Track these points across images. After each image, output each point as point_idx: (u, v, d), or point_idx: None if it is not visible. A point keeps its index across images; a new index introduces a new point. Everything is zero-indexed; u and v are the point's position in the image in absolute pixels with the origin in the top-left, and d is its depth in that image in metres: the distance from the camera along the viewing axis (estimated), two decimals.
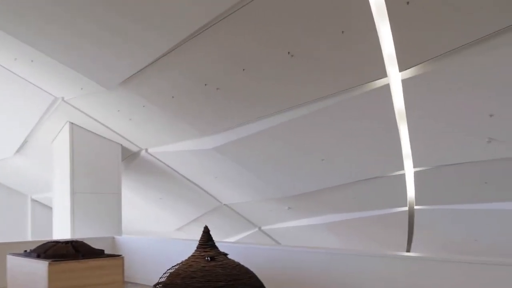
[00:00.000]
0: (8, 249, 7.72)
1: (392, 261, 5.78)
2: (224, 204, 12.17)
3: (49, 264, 6.09)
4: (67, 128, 10.32)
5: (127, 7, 6.30)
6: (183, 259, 4.95)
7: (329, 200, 10.30)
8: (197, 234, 5.29)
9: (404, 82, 6.53)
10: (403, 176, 8.79)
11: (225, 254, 4.98)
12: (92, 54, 7.54)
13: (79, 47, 7.41)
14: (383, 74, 6.57)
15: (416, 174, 8.59)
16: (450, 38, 5.81)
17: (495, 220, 8.94)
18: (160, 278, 4.82)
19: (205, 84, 7.62)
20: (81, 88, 8.67)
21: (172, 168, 11.05)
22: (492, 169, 7.88)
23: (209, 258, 4.79)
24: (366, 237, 11.23)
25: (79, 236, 9.60)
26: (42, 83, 9.04)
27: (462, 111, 6.85)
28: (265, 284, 4.98)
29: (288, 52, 6.52)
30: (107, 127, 10.13)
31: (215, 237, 5.17)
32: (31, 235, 15.12)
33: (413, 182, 8.83)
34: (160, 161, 10.87)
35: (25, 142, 11.35)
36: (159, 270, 5.13)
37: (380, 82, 6.76)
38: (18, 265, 6.79)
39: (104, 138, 10.61)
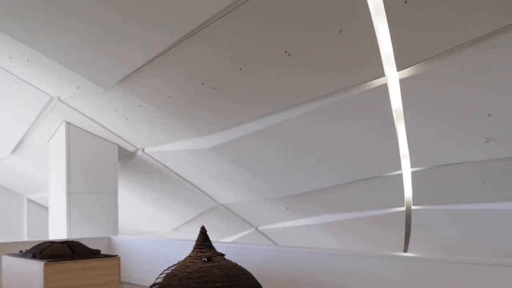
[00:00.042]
0: (3, 249, 7.68)
1: (389, 262, 5.75)
2: (221, 204, 12.15)
3: (45, 264, 6.07)
4: (63, 127, 10.28)
5: (124, 7, 6.28)
6: (180, 260, 4.92)
7: (326, 200, 10.28)
8: (194, 234, 5.26)
9: (402, 81, 6.51)
10: (400, 176, 8.78)
11: (222, 255, 4.95)
12: (88, 54, 7.50)
13: (75, 47, 7.37)
14: (381, 73, 6.56)
15: (414, 174, 8.58)
16: (448, 37, 5.80)
17: (493, 220, 8.94)
18: (156, 278, 4.79)
19: (202, 84, 7.59)
20: (77, 88, 8.63)
21: (168, 168, 11.02)
22: (489, 169, 7.87)
23: (206, 259, 4.76)
24: (363, 237, 11.22)
25: (75, 236, 9.55)
26: (38, 82, 9.00)
27: (459, 111, 6.84)
28: (262, 284, 4.95)
29: (286, 52, 6.50)
30: (103, 126, 10.10)
31: (211, 237, 5.14)
32: (27, 235, 15.07)
33: (410, 182, 8.82)
34: (157, 161, 10.84)
35: (21, 142, 11.31)
36: (156, 270, 5.10)
37: (378, 82, 6.75)
38: (13, 265, 6.76)
39: (101, 137, 10.57)
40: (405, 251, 10.24)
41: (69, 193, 10.21)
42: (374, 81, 6.76)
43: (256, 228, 12.97)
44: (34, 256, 6.43)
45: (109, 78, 8.07)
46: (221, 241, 9.16)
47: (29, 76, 8.87)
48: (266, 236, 13.04)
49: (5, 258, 7.00)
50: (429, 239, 10.22)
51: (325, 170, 9.25)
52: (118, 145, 10.78)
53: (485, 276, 4.88)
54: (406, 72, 6.40)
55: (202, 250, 4.89)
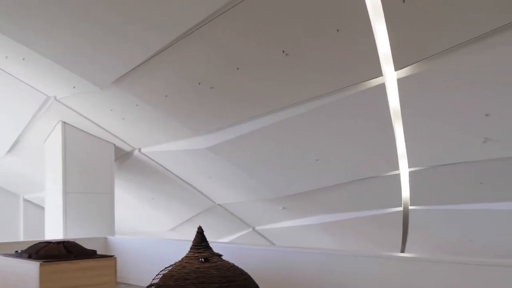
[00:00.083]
0: None
1: (387, 262, 5.75)
2: (218, 204, 12.12)
3: (41, 264, 6.05)
4: (59, 127, 10.24)
5: (121, 6, 6.25)
6: (177, 260, 4.90)
7: (323, 200, 10.27)
8: (191, 235, 5.24)
9: (400, 81, 6.49)
10: (398, 176, 8.76)
11: (219, 255, 4.93)
12: (84, 53, 7.47)
13: (71, 46, 7.35)
14: (379, 73, 6.53)
15: (411, 174, 8.57)
16: (446, 37, 5.78)
17: (491, 221, 8.93)
18: (153, 279, 4.76)
19: (199, 83, 7.57)
20: (74, 87, 8.60)
21: (165, 168, 10.99)
22: (487, 169, 7.86)
23: (203, 259, 4.73)
24: (360, 237, 11.21)
25: (71, 236, 9.53)
26: (34, 81, 8.96)
27: (458, 111, 6.82)
28: (259, 285, 4.94)
29: (283, 51, 6.47)
30: (100, 126, 10.06)
31: (208, 238, 5.12)
32: (23, 235, 15.03)
33: (408, 182, 8.81)
34: (153, 160, 10.81)
35: (17, 141, 11.27)
36: (152, 270, 5.08)
37: (376, 81, 6.72)
38: (9, 265, 6.74)
39: (97, 137, 10.54)
40: (402, 251, 10.23)
41: (65, 193, 10.18)
42: (371, 80, 6.73)
43: (253, 228, 12.96)
44: (30, 257, 6.41)
45: (106, 78, 8.04)
46: (218, 241, 9.15)
47: (25, 76, 8.83)
48: (263, 236, 13.03)
49: (1, 258, 6.97)
50: (426, 239, 10.22)
51: (322, 170, 9.23)
52: (114, 144, 10.75)
53: (483, 276, 4.88)
54: (404, 72, 6.38)
55: (199, 251, 4.86)
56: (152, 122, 9.25)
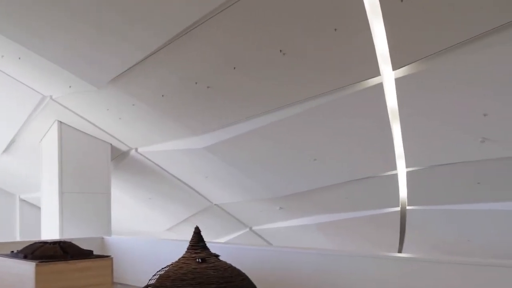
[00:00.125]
0: None
1: (384, 262, 5.73)
2: (215, 204, 12.10)
3: (37, 265, 6.01)
4: (55, 127, 10.20)
5: (117, 5, 6.22)
6: (174, 260, 4.86)
7: (321, 200, 10.26)
8: (188, 235, 5.21)
9: (398, 81, 6.48)
10: (395, 176, 8.76)
11: (217, 256, 4.90)
12: (81, 52, 7.45)
13: (67, 45, 7.32)
14: (376, 72, 6.52)
15: (409, 174, 8.56)
16: (444, 36, 5.77)
17: (488, 221, 8.93)
18: (149, 280, 4.73)
19: (196, 83, 7.54)
20: (70, 86, 8.56)
21: (162, 168, 10.97)
22: (485, 169, 7.85)
23: (200, 260, 4.70)
24: (358, 237, 11.20)
25: (67, 236, 9.48)
26: (30, 81, 8.93)
27: (455, 111, 6.82)
28: (256, 285, 4.91)
29: (280, 50, 6.45)
30: (96, 126, 10.03)
31: (205, 238, 5.09)
32: (20, 235, 14.98)
33: (405, 182, 8.80)
34: (150, 160, 10.78)
35: (12, 141, 11.22)
36: (149, 271, 5.05)
37: (373, 81, 6.71)
38: (5, 266, 6.70)
39: (93, 137, 10.51)
40: (399, 251, 10.23)
41: (61, 193, 10.15)
42: (369, 80, 6.72)
43: (250, 228, 12.94)
44: (25, 257, 6.37)
45: (102, 77, 8.01)
46: (215, 242, 9.12)
47: (21, 75, 8.79)
48: (260, 236, 13.01)
49: None
50: (424, 239, 10.22)
51: (319, 170, 9.21)
52: (111, 144, 10.71)
53: (481, 276, 4.86)
54: (401, 71, 6.37)
55: (196, 251, 4.83)
56: (149, 122, 9.22)
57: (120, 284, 8.75)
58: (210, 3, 5.91)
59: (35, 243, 6.84)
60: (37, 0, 6.39)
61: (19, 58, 7.96)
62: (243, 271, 4.89)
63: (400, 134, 7.50)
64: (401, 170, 8.55)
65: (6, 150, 11.68)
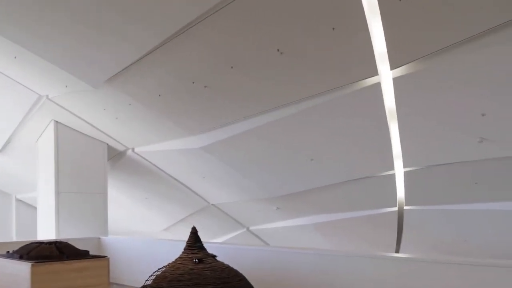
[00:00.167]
0: None
1: (382, 262, 5.73)
2: (212, 204, 12.08)
3: (32, 265, 5.99)
4: (51, 126, 10.17)
5: (113, 5, 6.20)
6: (170, 261, 4.84)
7: (318, 200, 10.24)
8: (184, 235, 5.19)
9: (395, 80, 6.46)
10: (393, 176, 8.74)
11: (214, 256, 4.87)
12: (77, 52, 7.42)
13: (64, 44, 7.29)
14: (374, 72, 6.50)
15: (406, 174, 8.54)
16: (442, 36, 5.76)
17: (486, 221, 8.92)
18: (146, 281, 4.70)
19: (193, 82, 7.52)
20: (66, 86, 8.53)
21: (159, 168, 10.94)
22: (483, 169, 7.84)
23: (197, 260, 4.68)
24: (355, 237, 11.19)
25: (64, 236, 9.45)
26: (26, 80, 8.89)
27: (453, 110, 6.80)
28: (254, 285, 4.89)
29: (278, 50, 6.43)
30: (92, 125, 10.00)
31: (202, 238, 5.07)
32: (16, 235, 14.94)
33: (403, 182, 8.78)
34: (147, 160, 10.75)
35: (8, 141, 11.19)
36: (146, 271, 5.03)
37: (371, 81, 6.69)
38: (0, 266, 6.68)
39: (90, 137, 10.48)
40: (397, 251, 10.22)
41: (58, 193, 10.12)
42: (367, 79, 6.70)
43: (247, 228, 12.92)
44: (21, 257, 6.35)
45: (98, 77, 7.98)
46: (212, 242, 9.10)
47: (16, 74, 8.76)
48: (257, 236, 12.99)
49: None
50: (421, 239, 10.21)
51: (317, 170, 9.20)
52: (107, 144, 10.69)
53: (478, 276, 4.87)
54: (399, 71, 6.35)
55: (193, 251, 4.81)
56: (146, 122, 9.20)
57: (117, 284, 8.73)
58: (206, 2, 5.89)
59: (31, 243, 6.82)
60: (35, 0, 6.36)
61: (15, 57, 7.92)
62: (241, 271, 4.87)
63: (397, 134, 7.49)
64: (399, 170, 8.53)
65: (2, 150, 11.63)
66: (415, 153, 7.99)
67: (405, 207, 9.43)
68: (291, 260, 6.50)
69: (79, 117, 9.77)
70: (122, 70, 7.57)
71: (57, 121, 10.09)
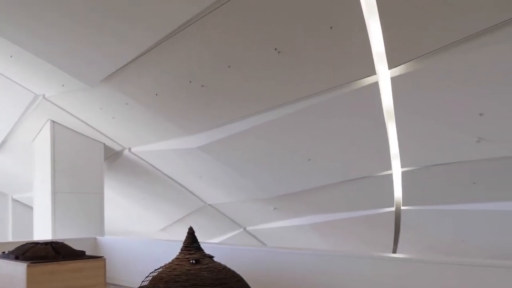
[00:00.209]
0: None
1: (379, 263, 5.70)
2: (209, 204, 12.05)
3: (28, 266, 5.96)
4: (48, 126, 10.13)
5: (110, 3, 6.17)
6: (167, 261, 4.81)
7: (315, 201, 10.22)
8: (181, 235, 5.16)
9: (393, 80, 6.44)
10: (390, 176, 8.72)
11: (211, 257, 4.84)
12: (73, 50, 7.38)
13: (60, 43, 7.25)
14: (372, 71, 6.48)
15: (404, 174, 8.52)
16: (440, 35, 5.74)
17: (483, 221, 8.91)
18: (142, 282, 4.66)
19: (190, 82, 7.49)
20: (62, 85, 8.49)
21: (155, 168, 10.91)
22: (480, 169, 7.82)
23: (194, 261, 4.64)
24: (352, 237, 11.17)
25: (60, 237, 9.42)
26: (22, 79, 8.85)
27: (451, 110, 6.79)
28: (251, 286, 4.86)
29: (275, 49, 6.41)
30: (89, 125, 9.96)
31: (199, 238, 5.04)
32: (12, 236, 14.89)
33: (400, 182, 8.77)
34: (144, 160, 10.72)
35: (5, 140, 11.14)
36: (143, 271, 5.00)
37: (369, 80, 6.67)
38: None
39: (86, 136, 10.44)
40: (394, 251, 10.21)
41: (54, 193, 10.08)
42: (365, 79, 6.68)
43: (245, 229, 12.89)
44: (17, 258, 6.32)
45: (95, 76, 7.94)
46: (209, 242, 9.08)
47: (13, 73, 8.71)
48: (254, 236, 12.97)
49: None
50: (419, 239, 10.19)
51: (314, 170, 9.17)
52: (104, 144, 10.65)
53: (476, 277, 4.83)
54: (397, 70, 6.33)
55: (190, 252, 4.77)
56: (142, 121, 9.17)
57: (113, 285, 8.70)
58: (203, 1, 5.86)
59: (27, 243, 6.78)
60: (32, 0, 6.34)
61: (11, 56, 7.88)
62: (238, 272, 4.84)
63: (395, 133, 7.47)
64: (396, 170, 8.52)
65: None
66: (412, 153, 7.97)
67: (402, 207, 9.41)
68: (288, 260, 6.47)
69: (76, 117, 9.73)
70: (119, 69, 7.53)
71: (53, 121, 10.05)
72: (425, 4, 5.38)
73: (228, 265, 4.86)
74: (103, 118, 9.48)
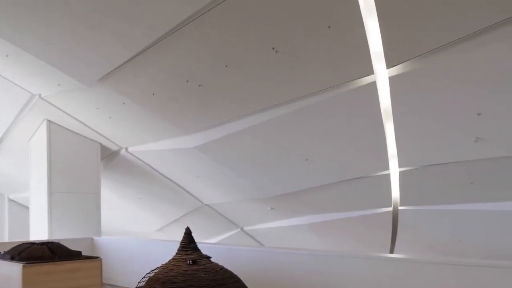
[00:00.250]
0: None
1: (376, 263, 5.70)
2: (206, 204, 12.03)
3: (24, 266, 5.93)
4: (44, 126, 10.11)
5: (106, 3, 6.15)
6: (164, 261, 4.78)
7: (312, 201, 10.21)
8: (178, 235, 5.13)
9: (391, 79, 6.42)
10: (388, 176, 8.71)
11: (208, 257, 4.81)
12: (70, 50, 7.37)
13: (56, 42, 7.23)
14: (370, 71, 6.46)
15: (401, 174, 8.51)
16: (438, 34, 5.73)
17: (481, 221, 8.90)
18: (138, 283, 4.63)
19: (187, 81, 7.47)
20: (59, 85, 8.46)
21: (152, 168, 10.88)
22: (478, 169, 7.81)
23: (191, 262, 4.61)
24: (350, 237, 11.16)
25: (56, 237, 9.38)
26: (18, 79, 8.82)
27: (449, 110, 6.77)
28: (248, 286, 4.84)
29: (273, 48, 6.39)
30: (85, 125, 9.94)
31: (196, 238, 5.02)
32: (8, 236, 14.85)
33: (398, 182, 8.76)
34: (140, 160, 10.70)
35: (1, 140, 11.11)
36: (139, 271, 4.98)
37: (367, 79, 6.65)
38: None
39: (83, 136, 10.42)
40: (391, 251, 10.20)
41: (50, 193, 10.05)
42: (363, 78, 6.66)
43: (242, 229, 12.88)
44: (12, 258, 6.29)
45: (91, 75, 7.92)
46: (206, 242, 9.06)
47: (9, 73, 8.67)
48: (251, 236, 12.95)
49: None
50: (416, 239, 10.19)
51: (311, 170, 9.16)
52: (100, 144, 10.63)
53: (473, 277, 4.84)
54: (395, 70, 6.31)
55: (187, 252, 4.75)
56: (139, 121, 9.14)
57: (110, 285, 8.68)
58: (199, 0, 5.83)
59: (23, 244, 6.75)
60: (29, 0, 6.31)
61: (7, 56, 7.85)
62: (235, 272, 4.82)
63: (393, 133, 7.45)
64: (394, 170, 8.50)
65: None
66: (410, 153, 7.96)
67: (400, 207, 9.40)
68: (285, 260, 6.46)
69: (72, 116, 9.70)
70: (115, 68, 7.51)
71: (49, 120, 10.03)
72: (423, 4, 5.36)
73: (225, 266, 4.84)
74: (100, 117, 9.45)
